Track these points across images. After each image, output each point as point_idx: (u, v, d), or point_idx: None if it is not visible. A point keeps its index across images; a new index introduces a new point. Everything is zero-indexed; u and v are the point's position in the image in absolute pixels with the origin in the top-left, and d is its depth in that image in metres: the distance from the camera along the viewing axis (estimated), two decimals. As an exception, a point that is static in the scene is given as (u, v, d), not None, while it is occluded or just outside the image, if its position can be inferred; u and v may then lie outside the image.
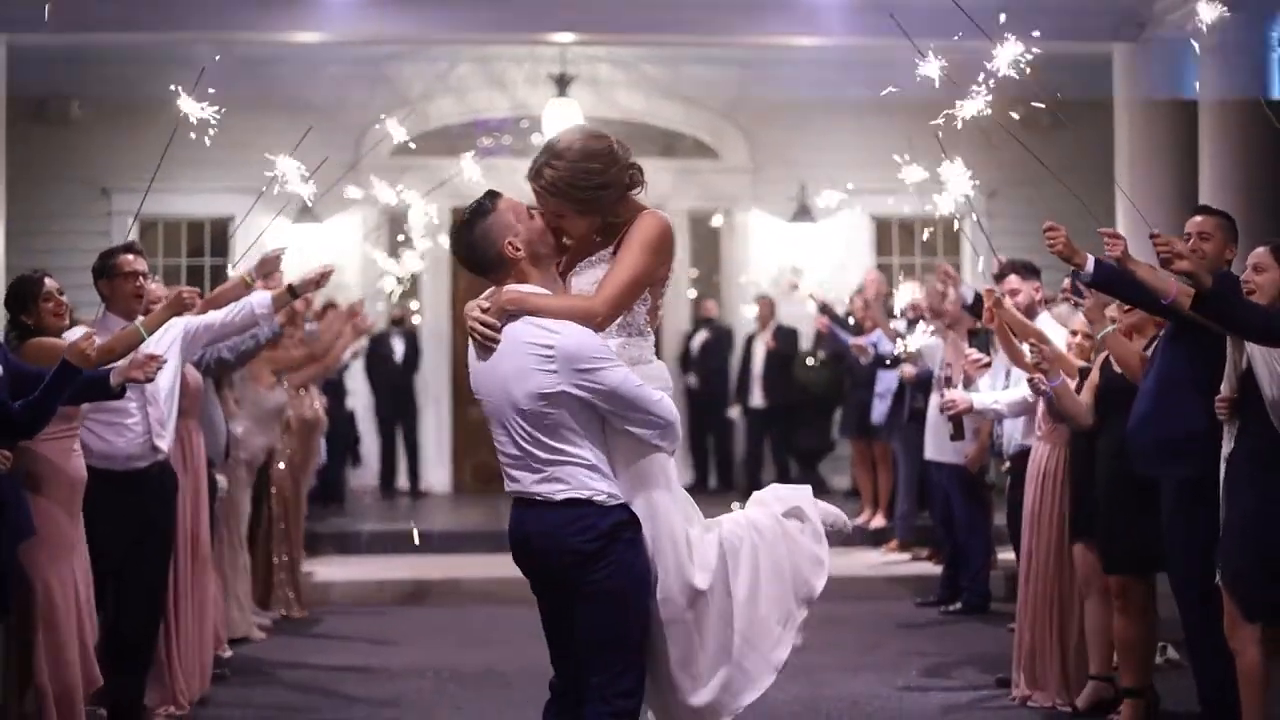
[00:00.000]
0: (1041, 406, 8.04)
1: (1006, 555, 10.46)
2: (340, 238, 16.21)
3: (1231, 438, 6.49)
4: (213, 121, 7.51)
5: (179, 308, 7.31)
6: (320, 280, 8.23)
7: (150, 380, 6.95)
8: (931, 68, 6.63)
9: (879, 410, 12.94)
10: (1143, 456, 6.96)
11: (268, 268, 8.44)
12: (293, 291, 8.14)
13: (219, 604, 9.10)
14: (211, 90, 7.48)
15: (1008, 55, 6.50)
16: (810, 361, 15.54)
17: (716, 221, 16.78)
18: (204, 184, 15.26)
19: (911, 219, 16.22)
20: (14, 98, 13.80)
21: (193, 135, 7.53)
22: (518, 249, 4.87)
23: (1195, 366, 6.74)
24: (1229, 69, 12.14)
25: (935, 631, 10.45)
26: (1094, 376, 7.51)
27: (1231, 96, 12.16)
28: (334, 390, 14.43)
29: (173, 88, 7.55)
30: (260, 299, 8.03)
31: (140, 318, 7.32)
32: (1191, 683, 7.13)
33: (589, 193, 4.91)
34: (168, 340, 7.57)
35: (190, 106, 7.56)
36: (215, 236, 16.75)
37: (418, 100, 16.16)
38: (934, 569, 11.85)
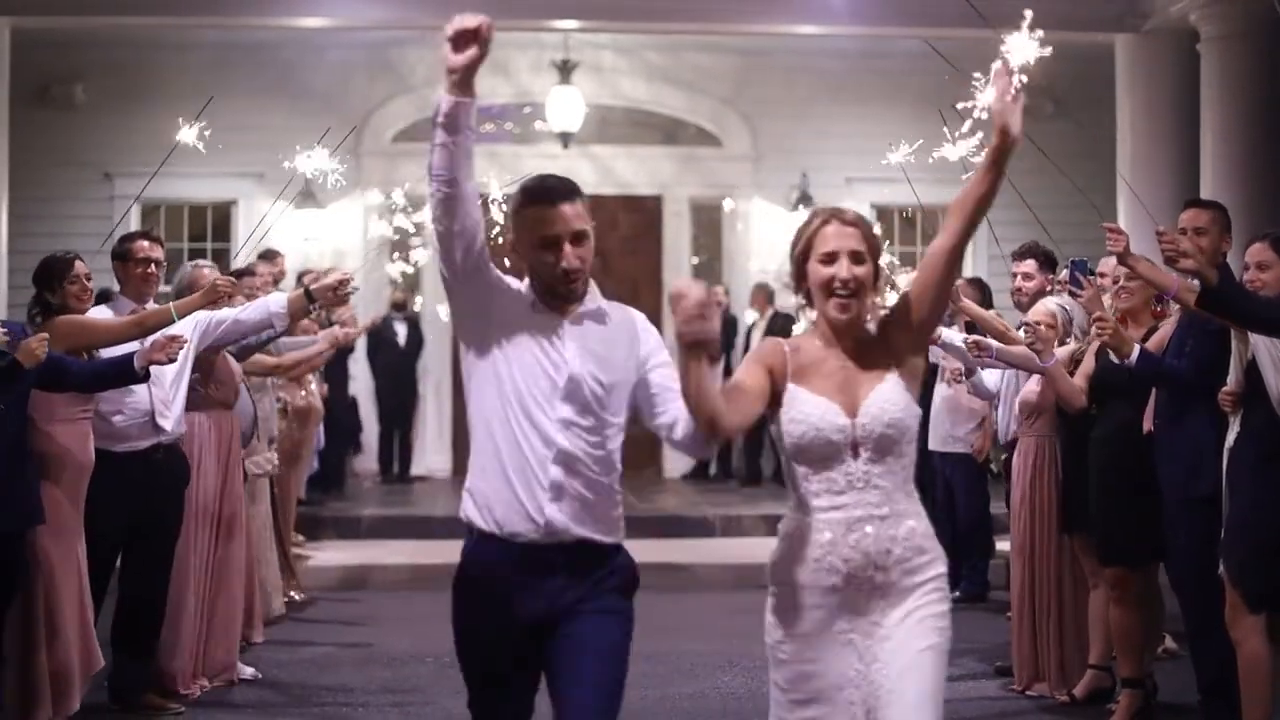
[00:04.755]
0: (1021, 398, 8.09)
1: (1006, 545, 10.48)
2: (343, 223, 16.21)
3: (1234, 429, 6.51)
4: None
5: (214, 296, 7.40)
6: (338, 288, 8.04)
7: (172, 361, 7.03)
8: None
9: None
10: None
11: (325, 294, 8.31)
12: (309, 296, 7.94)
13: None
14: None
15: (1021, 50, 6.46)
16: None
17: (728, 206, 16.74)
18: (206, 168, 15.30)
19: (910, 206, 16.22)
20: (17, 82, 13.81)
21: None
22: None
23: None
24: (1232, 59, 12.14)
25: (934, 620, 10.43)
26: (1088, 363, 7.52)
27: (1234, 87, 12.16)
28: (337, 376, 14.43)
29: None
30: (277, 300, 7.96)
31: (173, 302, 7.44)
32: (1190, 673, 7.14)
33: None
34: (179, 326, 7.61)
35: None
36: (217, 221, 16.77)
37: (421, 86, 16.18)
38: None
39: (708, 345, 3.94)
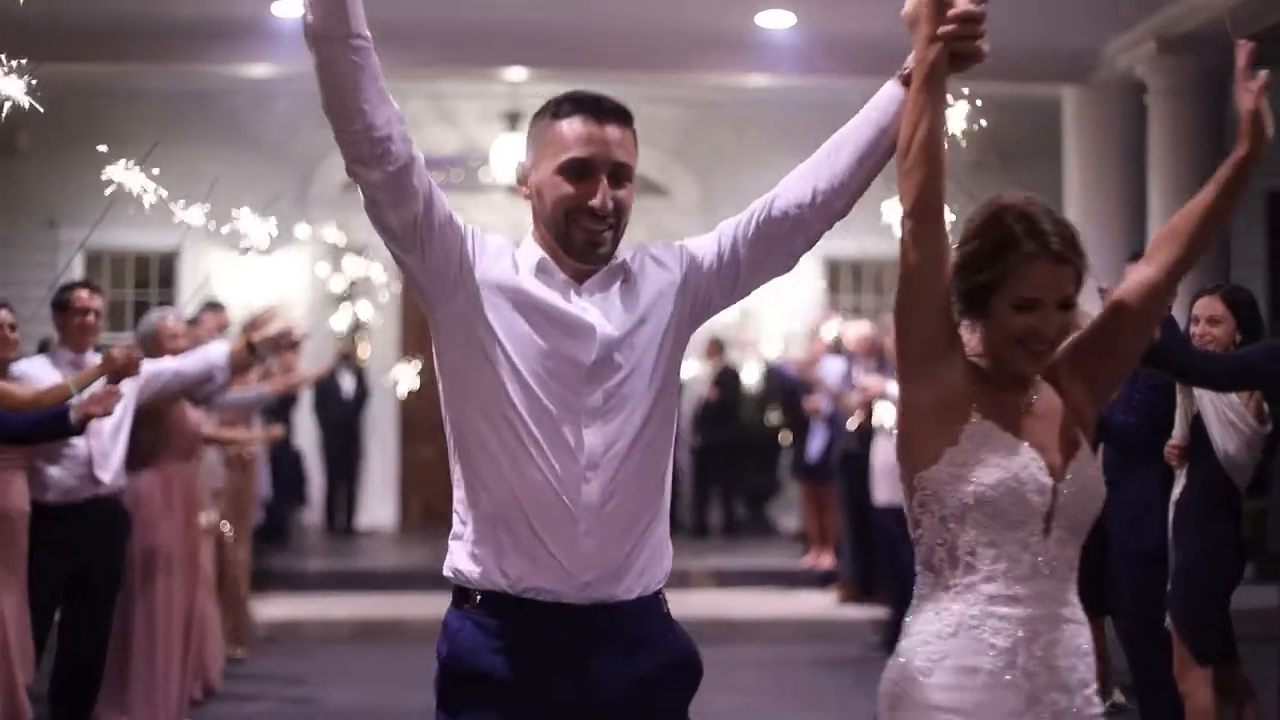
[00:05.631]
0: None
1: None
2: (288, 272, 16.12)
3: (1180, 482, 6.52)
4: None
5: (111, 368, 7.14)
6: (279, 340, 8.07)
7: (109, 414, 6.91)
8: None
9: (814, 449, 13.20)
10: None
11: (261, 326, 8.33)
12: (252, 349, 7.98)
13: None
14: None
15: (958, 116, 6.48)
16: (772, 417, 15.74)
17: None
18: (152, 216, 15.22)
19: (862, 260, 16.30)
20: (-41, 128, 13.70)
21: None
22: None
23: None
24: (1179, 112, 12.21)
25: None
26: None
27: (1181, 140, 12.22)
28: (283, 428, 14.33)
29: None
30: (219, 351, 7.94)
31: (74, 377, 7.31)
32: (1138, 726, 7.14)
33: None
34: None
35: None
36: (162, 270, 16.66)
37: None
38: (881, 612, 11.79)
39: (974, 55, 3.20)
